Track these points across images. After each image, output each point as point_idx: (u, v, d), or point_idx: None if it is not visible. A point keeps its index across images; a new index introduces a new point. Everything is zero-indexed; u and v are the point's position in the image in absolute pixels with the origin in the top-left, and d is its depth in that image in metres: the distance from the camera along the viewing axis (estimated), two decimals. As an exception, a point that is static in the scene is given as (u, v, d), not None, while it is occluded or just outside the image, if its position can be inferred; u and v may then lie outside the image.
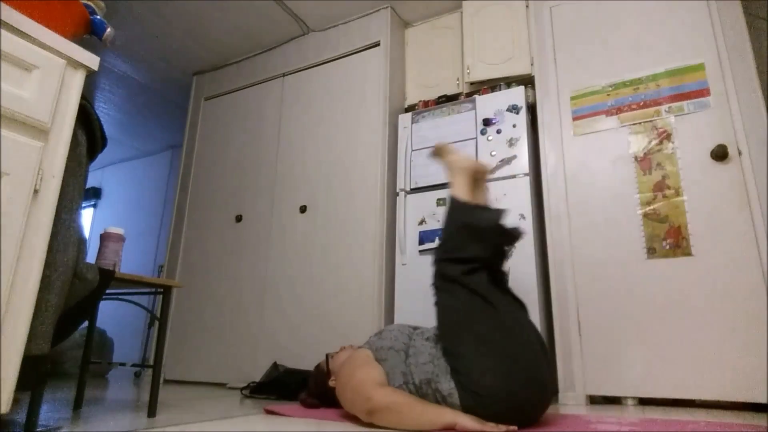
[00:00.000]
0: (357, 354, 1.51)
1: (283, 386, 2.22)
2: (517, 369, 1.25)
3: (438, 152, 1.85)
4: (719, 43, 2.08)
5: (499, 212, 1.50)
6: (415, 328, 1.56)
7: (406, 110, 2.96)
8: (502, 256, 1.53)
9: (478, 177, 1.70)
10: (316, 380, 1.74)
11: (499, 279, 1.50)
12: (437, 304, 1.44)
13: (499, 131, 2.45)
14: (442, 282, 1.44)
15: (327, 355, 1.74)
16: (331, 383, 1.62)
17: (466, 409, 1.24)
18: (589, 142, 2.29)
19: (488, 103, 2.54)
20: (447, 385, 1.28)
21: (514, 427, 1.20)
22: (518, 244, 2.22)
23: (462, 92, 2.78)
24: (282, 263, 2.91)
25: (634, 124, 2.19)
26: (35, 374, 1.13)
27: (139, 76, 3.94)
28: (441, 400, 1.29)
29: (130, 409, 1.76)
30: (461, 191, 1.60)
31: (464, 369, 1.27)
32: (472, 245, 1.44)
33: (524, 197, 2.29)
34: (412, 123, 2.74)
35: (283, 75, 3.37)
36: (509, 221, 1.60)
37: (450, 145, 1.83)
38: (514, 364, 1.26)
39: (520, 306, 1.47)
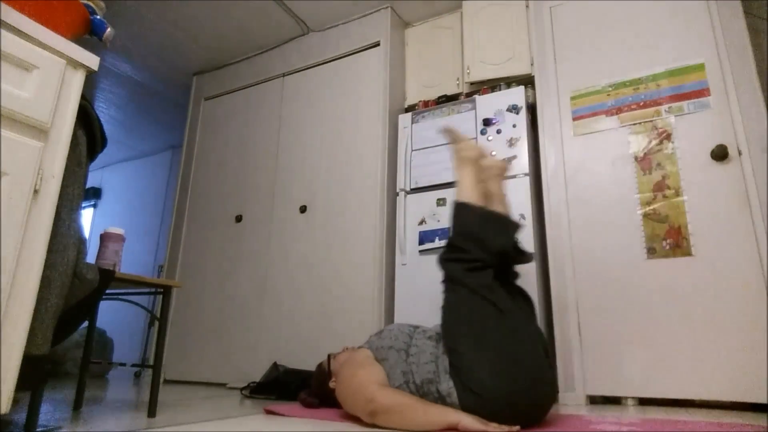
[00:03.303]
0: (357, 354, 1.50)
1: (283, 386, 2.22)
2: (518, 370, 1.25)
3: (446, 134, 1.76)
4: (719, 43, 2.08)
5: (511, 230, 1.45)
6: (416, 327, 1.55)
7: (406, 110, 2.96)
8: (508, 261, 1.49)
9: (489, 172, 1.60)
10: (317, 380, 1.73)
11: (507, 276, 1.48)
12: (443, 302, 1.44)
13: (499, 131, 2.45)
14: (447, 282, 1.44)
15: (329, 356, 1.73)
16: (331, 384, 1.61)
17: (466, 408, 1.23)
18: (589, 142, 2.28)
19: (488, 103, 2.54)
20: (446, 385, 1.28)
21: (516, 428, 1.19)
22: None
23: (462, 92, 2.78)
24: (282, 263, 2.91)
25: (634, 124, 2.19)
26: (35, 374, 1.13)
27: (139, 76, 3.94)
28: (440, 400, 1.29)
29: (130, 409, 1.76)
30: (465, 187, 1.54)
31: (464, 368, 1.27)
32: (476, 250, 1.42)
33: (524, 197, 2.29)
34: (412, 123, 2.74)
35: (283, 75, 3.37)
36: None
37: (457, 131, 1.71)
38: (514, 365, 1.25)
39: (527, 304, 1.46)
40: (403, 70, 3.06)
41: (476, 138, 2.50)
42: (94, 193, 5.75)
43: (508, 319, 1.32)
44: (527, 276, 2.18)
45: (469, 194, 1.52)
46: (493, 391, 1.22)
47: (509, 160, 2.38)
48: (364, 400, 1.31)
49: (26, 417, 1.22)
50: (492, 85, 2.67)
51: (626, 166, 2.16)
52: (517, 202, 2.29)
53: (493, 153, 2.42)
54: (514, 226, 1.49)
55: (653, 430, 1.27)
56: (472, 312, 1.34)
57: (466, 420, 1.18)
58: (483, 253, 1.40)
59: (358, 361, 1.46)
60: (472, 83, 2.74)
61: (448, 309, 1.41)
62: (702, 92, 2.07)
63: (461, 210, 1.50)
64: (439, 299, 2.31)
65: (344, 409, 1.46)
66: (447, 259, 1.46)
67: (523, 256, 1.51)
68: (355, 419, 1.41)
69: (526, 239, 2.23)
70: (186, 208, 3.49)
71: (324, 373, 1.69)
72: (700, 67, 2.10)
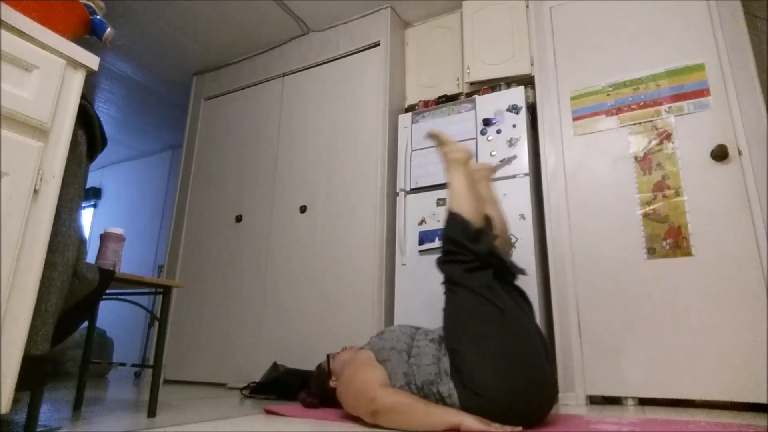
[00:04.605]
0: (359, 355, 1.51)
1: (283, 386, 2.22)
2: (518, 370, 1.25)
3: (432, 138, 1.78)
4: (719, 43, 2.08)
5: (493, 248, 1.46)
6: (418, 329, 1.55)
7: (406, 110, 2.96)
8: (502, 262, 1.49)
9: (478, 174, 1.63)
10: (317, 381, 1.74)
11: (506, 276, 1.48)
12: (444, 304, 1.44)
13: (499, 131, 2.45)
14: (448, 284, 1.45)
15: (328, 356, 1.74)
16: (331, 384, 1.62)
17: (466, 409, 1.23)
18: (589, 142, 2.29)
19: (488, 103, 2.54)
20: (446, 387, 1.28)
21: (519, 428, 1.19)
22: (519, 246, 2.23)
23: (462, 92, 2.77)
24: (282, 263, 2.91)
25: (634, 124, 2.19)
26: (35, 374, 1.13)
27: (139, 76, 3.94)
28: (441, 401, 1.29)
29: (130, 409, 1.76)
30: (459, 193, 1.55)
31: (466, 369, 1.27)
32: (468, 249, 1.43)
33: (524, 197, 2.29)
34: (412, 123, 2.74)
35: (283, 75, 3.37)
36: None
37: (443, 134, 1.74)
38: (514, 364, 1.25)
39: (526, 304, 1.46)
40: (403, 70, 3.06)
41: (476, 138, 2.50)
42: (94, 193, 5.75)
43: (509, 319, 1.32)
44: (528, 276, 2.18)
45: (464, 201, 1.53)
46: (494, 392, 1.22)
47: (509, 160, 2.38)
48: (366, 399, 1.31)
49: (26, 417, 1.22)
50: (492, 85, 2.67)
51: (626, 166, 2.16)
52: (517, 202, 2.30)
53: (494, 153, 2.42)
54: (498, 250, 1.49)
55: (653, 430, 1.27)
56: (473, 312, 1.35)
57: (468, 420, 1.18)
58: (476, 247, 1.42)
59: (359, 362, 1.46)
60: (472, 83, 2.74)
61: (449, 310, 1.42)
62: (702, 92, 2.08)
63: (453, 219, 1.52)
64: (439, 299, 2.33)
65: (345, 410, 1.46)
66: (445, 261, 1.47)
67: (516, 269, 1.51)
68: (355, 419, 1.41)
69: (527, 239, 2.23)
70: (186, 208, 3.49)
71: (324, 373, 1.70)
72: (700, 67, 2.10)
